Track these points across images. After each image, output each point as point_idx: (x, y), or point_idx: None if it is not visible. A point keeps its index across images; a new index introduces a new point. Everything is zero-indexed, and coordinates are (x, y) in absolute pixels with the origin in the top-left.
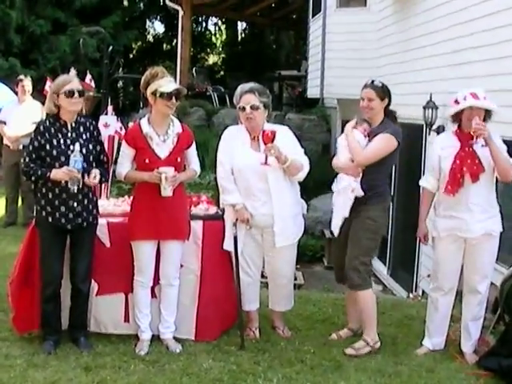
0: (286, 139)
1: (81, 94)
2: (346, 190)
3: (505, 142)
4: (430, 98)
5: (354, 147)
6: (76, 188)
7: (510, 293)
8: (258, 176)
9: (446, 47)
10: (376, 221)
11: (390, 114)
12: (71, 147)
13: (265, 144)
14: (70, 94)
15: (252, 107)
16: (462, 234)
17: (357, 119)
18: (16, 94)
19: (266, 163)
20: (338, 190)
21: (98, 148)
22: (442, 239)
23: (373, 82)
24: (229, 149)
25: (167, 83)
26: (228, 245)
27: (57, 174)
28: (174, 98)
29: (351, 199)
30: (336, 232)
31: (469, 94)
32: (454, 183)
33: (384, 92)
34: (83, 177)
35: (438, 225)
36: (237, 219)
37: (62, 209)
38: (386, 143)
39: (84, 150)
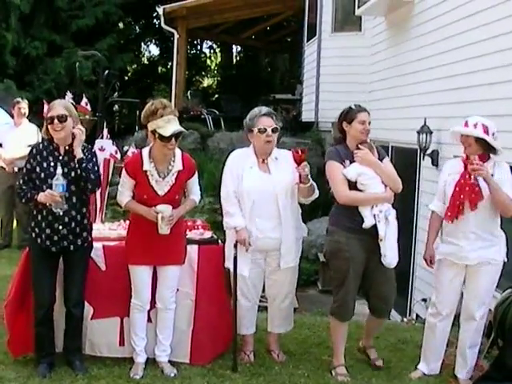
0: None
1: (61, 119)
2: (393, 219)
3: None
4: (425, 122)
5: (393, 174)
6: (60, 211)
7: (503, 317)
8: (267, 199)
9: (440, 72)
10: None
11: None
12: (59, 170)
13: (297, 163)
14: (50, 120)
15: (273, 130)
16: (458, 260)
17: (367, 146)
18: (12, 116)
19: (301, 181)
20: (389, 222)
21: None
22: (442, 263)
23: (361, 105)
24: (235, 172)
25: (166, 124)
26: (230, 264)
27: (41, 197)
28: (173, 139)
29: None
30: (395, 264)
31: (464, 121)
32: (454, 210)
33: None
34: (68, 200)
35: (439, 249)
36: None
37: (48, 231)
38: None
39: (73, 174)
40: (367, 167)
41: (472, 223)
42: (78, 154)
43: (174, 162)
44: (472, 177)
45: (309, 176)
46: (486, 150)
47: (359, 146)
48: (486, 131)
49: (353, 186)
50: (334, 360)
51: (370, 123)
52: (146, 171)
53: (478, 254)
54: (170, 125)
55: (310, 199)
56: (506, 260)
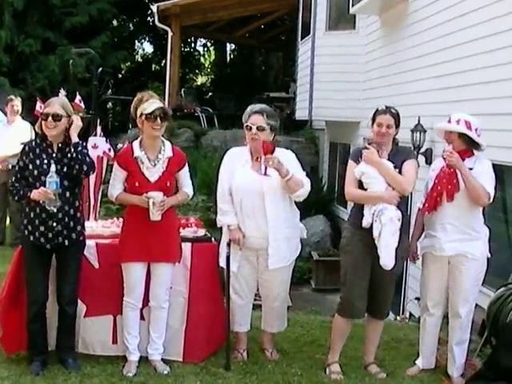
0: (289, 160)
1: (56, 118)
2: (392, 221)
3: (492, 165)
4: (418, 121)
5: (398, 176)
6: (54, 208)
7: (496, 315)
8: (255, 197)
9: (433, 71)
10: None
11: (393, 141)
12: (52, 168)
13: (264, 155)
14: (45, 117)
15: (258, 128)
16: (436, 252)
17: (375, 146)
18: (5, 113)
19: (265, 174)
20: (384, 223)
21: None
22: (424, 257)
23: (388, 108)
24: (229, 169)
25: (150, 104)
26: (222, 262)
27: (34, 194)
28: (158, 118)
29: (398, 229)
30: (391, 266)
31: (448, 118)
32: (431, 201)
33: (399, 119)
34: (61, 196)
35: (422, 243)
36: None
37: (42, 228)
38: (416, 169)
39: (65, 169)
40: (372, 167)
41: (449, 214)
42: (74, 138)
43: (164, 150)
44: (446, 166)
45: (286, 170)
46: (469, 145)
47: (367, 145)
48: (469, 127)
49: (362, 184)
50: (330, 356)
51: (390, 126)
52: (136, 158)
53: (454, 246)
54: (153, 104)
55: (298, 194)
56: (489, 256)
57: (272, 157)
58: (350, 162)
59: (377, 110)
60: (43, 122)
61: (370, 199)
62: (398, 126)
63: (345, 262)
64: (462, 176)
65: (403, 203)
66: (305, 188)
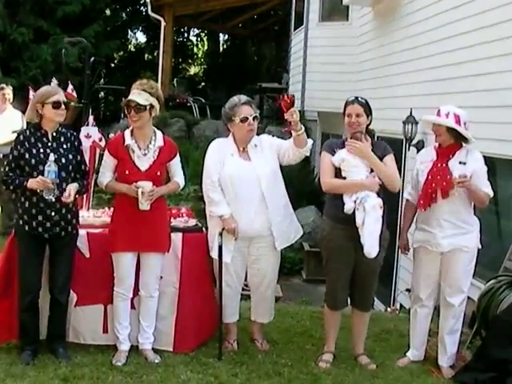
0: (272, 140)
1: (66, 105)
2: (375, 208)
3: (484, 158)
4: (410, 112)
5: (390, 172)
6: (53, 197)
7: (486, 308)
8: (250, 185)
9: (426, 62)
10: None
11: (369, 132)
12: (51, 157)
13: (286, 110)
14: (57, 105)
15: (254, 118)
16: (431, 247)
17: (358, 136)
18: None
19: (291, 128)
20: (368, 210)
21: (78, 158)
22: (417, 250)
23: (356, 98)
24: (217, 159)
25: (130, 95)
26: (215, 254)
27: (32, 183)
28: (132, 110)
29: (381, 216)
30: (375, 254)
31: (437, 110)
32: (426, 198)
33: (369, 108)
34: (59, 187)
35: (414, 236)
36: (223, 229)
37: (40, 218)
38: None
39: (63, 160)
40: (355, 157)
41: (445, 211)
42: (68, 200)
43: (155, 139)
44: (444, 164)
45: (299, 123)
46: (458, 138)
47: (349, 139)
48: (458, 121)
49: (340, 175)
50: (325, 346)
51: (359, 115)
52: (127, 146)
53: (451, 241)
54: (132, 96)
55: (303, 151)
56: (479, 247)
57: (294, 110)
58: (323, 154)
59: (346, 101)
60: (53, 110)
61: (351, 187)
62: (368, 114)
63: (327, 255)
64: (471, 192)
65: (381, 192)
66: (309, 144)
